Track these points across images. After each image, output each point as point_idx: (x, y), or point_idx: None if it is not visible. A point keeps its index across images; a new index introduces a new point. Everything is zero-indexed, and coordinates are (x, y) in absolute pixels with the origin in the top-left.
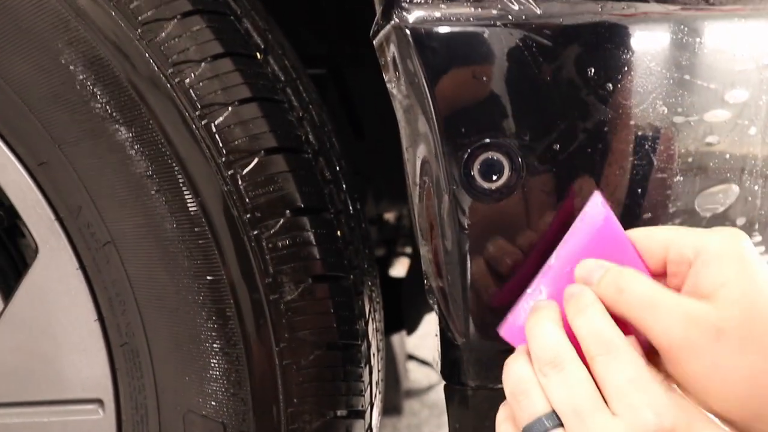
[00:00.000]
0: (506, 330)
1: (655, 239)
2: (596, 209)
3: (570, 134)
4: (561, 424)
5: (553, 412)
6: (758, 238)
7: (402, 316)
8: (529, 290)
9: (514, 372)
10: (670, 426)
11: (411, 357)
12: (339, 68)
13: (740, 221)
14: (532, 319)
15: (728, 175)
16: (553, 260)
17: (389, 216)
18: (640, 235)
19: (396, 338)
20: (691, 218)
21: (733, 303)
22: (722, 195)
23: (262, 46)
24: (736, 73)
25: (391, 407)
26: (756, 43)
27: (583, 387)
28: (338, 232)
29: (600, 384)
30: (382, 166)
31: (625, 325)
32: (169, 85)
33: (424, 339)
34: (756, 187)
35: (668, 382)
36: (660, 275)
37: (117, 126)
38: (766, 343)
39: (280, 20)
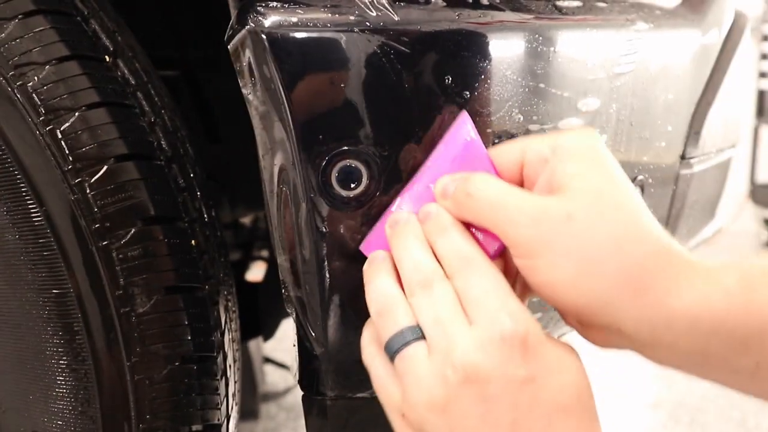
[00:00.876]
0: (367, 246)
1: (513, 148)
2: (462, 130)
3: (428, 142)
4: (423, 338)
5: (417, 326)
6: None
7: (259, 322)
8: (392, 208)
9: (380, 289)
10: (524, 330)
11: (268, 360)
12: (193, 71)
13: None
14: (398, 235)
15: None
16: (416, 180)
17: (245, 220)
18: (499, 149)
19: (253, 341)
20: None
21: (584, 191)
22: None
23: (111, 49)
24: (588, 81)
25: (248, 411)
26: (606, 53)
27: (446, 301)
28: (192, 242)
29: (461, 298)
30: (237, 171)
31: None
32: (10, 89)
33: (281, 342)
34: None
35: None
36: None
37: None
38: (613, 228)
39: (131, 21)
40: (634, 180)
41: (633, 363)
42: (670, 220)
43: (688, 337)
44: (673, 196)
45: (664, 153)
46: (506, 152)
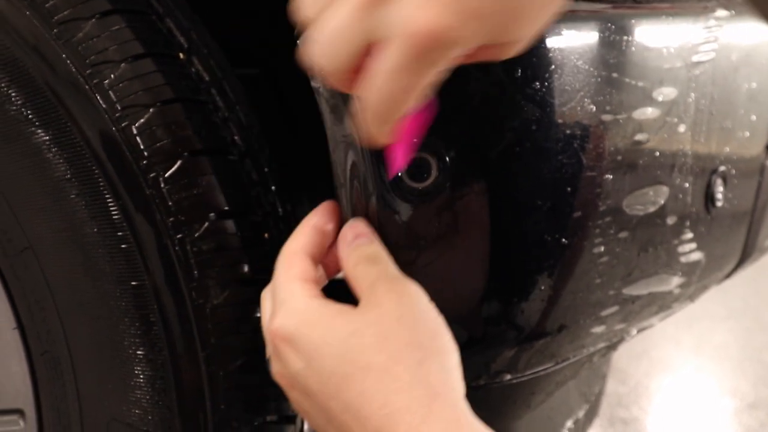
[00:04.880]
0: None
1: None
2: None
3: (498, 133)
4: None
5: None
6: (689, 235)
7: None
8: None
9: None
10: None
11: None
12: (273, 69)
13: (671, 220)
14: None
15: (658, 173)
16: None
17: None
18: None
19: None
20: (621, 217)
21: None
22: (653, 193)
23: (186, 46)
24: (664, 70)
25: None
26: (683, 41)
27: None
28: (266, 235)
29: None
30: (315, 168)
31: None
32: (87, 87)
33: None
34: (686, 185)
35: None
36: None
37: (33, 129)
38: None
39: (210, 20)
40: (715, 171)
41: (731, 362)
42: (756, 213)
43: None
44: (759, 187)
45: (747, 143)
46: None
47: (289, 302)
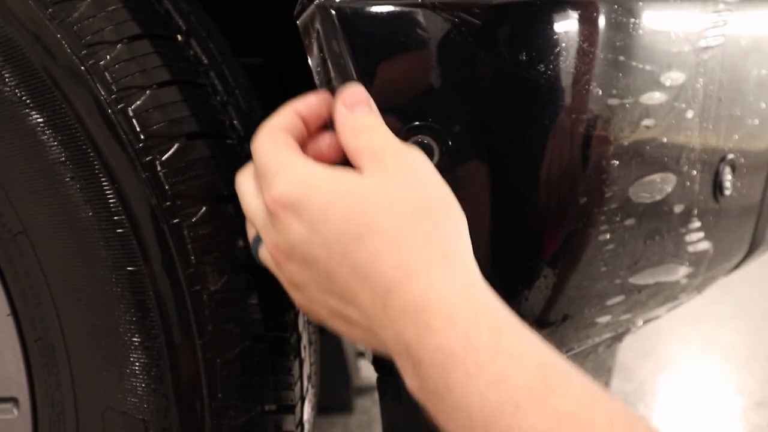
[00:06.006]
0: None
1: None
2: None
3: (501, 117)
4: None
5: None
6: (697, 224)
7: None
8: None
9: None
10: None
11: (361, 354)
12: (277, 59)
13: (678, 208)
14: None
15: (666, 159)
16: None
17: None
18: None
19: None
20: (627, 205)
21: None
22: (660, 181)
23: (184, 28)
24: (672, 54)
25: (342, 405)
26: (692, 25)
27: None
28: None
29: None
30: None
31: None
32: (82, 68)
33: None
34: (694, 172)
35: None
36: None
37: (28, 110)
38: None
39: (213, 8)
40: (723, 159)
41: (738, 361)
42: (765, 203)
43: None
44: None
45: (757, 131)
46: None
47: (287, 170)
